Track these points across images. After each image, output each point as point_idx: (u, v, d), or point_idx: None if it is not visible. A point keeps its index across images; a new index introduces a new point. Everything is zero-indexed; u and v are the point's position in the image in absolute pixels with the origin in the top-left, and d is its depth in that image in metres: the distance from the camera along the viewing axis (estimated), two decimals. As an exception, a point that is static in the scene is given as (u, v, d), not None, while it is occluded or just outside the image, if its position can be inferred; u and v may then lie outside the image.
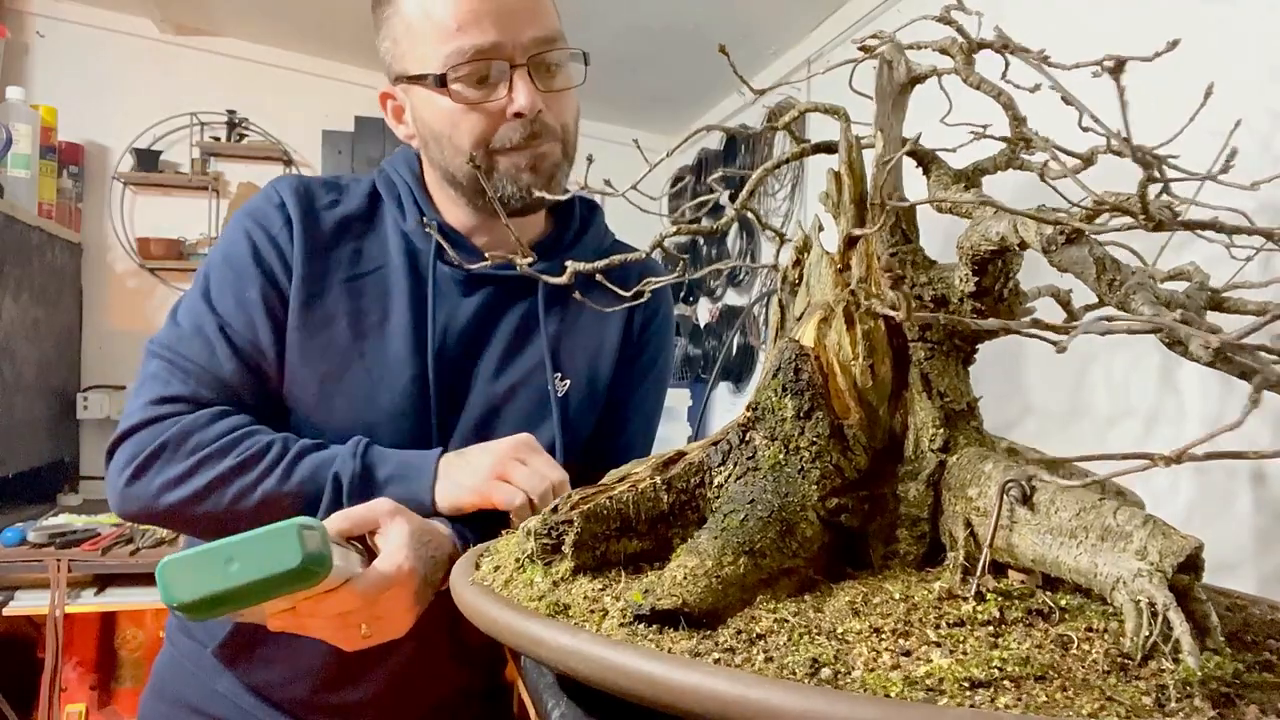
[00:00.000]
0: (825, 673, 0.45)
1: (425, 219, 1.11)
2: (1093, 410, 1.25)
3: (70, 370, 3.18)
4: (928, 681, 0.43)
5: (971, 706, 0.41)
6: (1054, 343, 0.41)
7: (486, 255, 0.78)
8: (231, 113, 3.43)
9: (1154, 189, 0.45)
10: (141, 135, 3.34)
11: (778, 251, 0.82)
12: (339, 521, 0.84)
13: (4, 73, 3.04)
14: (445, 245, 0.99)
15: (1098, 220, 0.48)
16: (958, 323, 0.64)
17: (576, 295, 0.86)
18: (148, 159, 3.31)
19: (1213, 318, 0.50)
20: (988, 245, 0.58)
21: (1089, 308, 0.73)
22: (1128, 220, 0.43)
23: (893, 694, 0.43)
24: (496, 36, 1.00)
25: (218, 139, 3.43)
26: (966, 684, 0.42)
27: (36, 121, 2.90)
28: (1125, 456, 0.38)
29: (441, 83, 1.01)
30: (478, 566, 0.73)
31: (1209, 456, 0.36)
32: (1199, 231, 0.43)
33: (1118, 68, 0.32)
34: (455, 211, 1.14)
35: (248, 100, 3.45)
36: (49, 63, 3.27)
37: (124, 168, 3.31)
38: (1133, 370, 1.17)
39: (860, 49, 0.70)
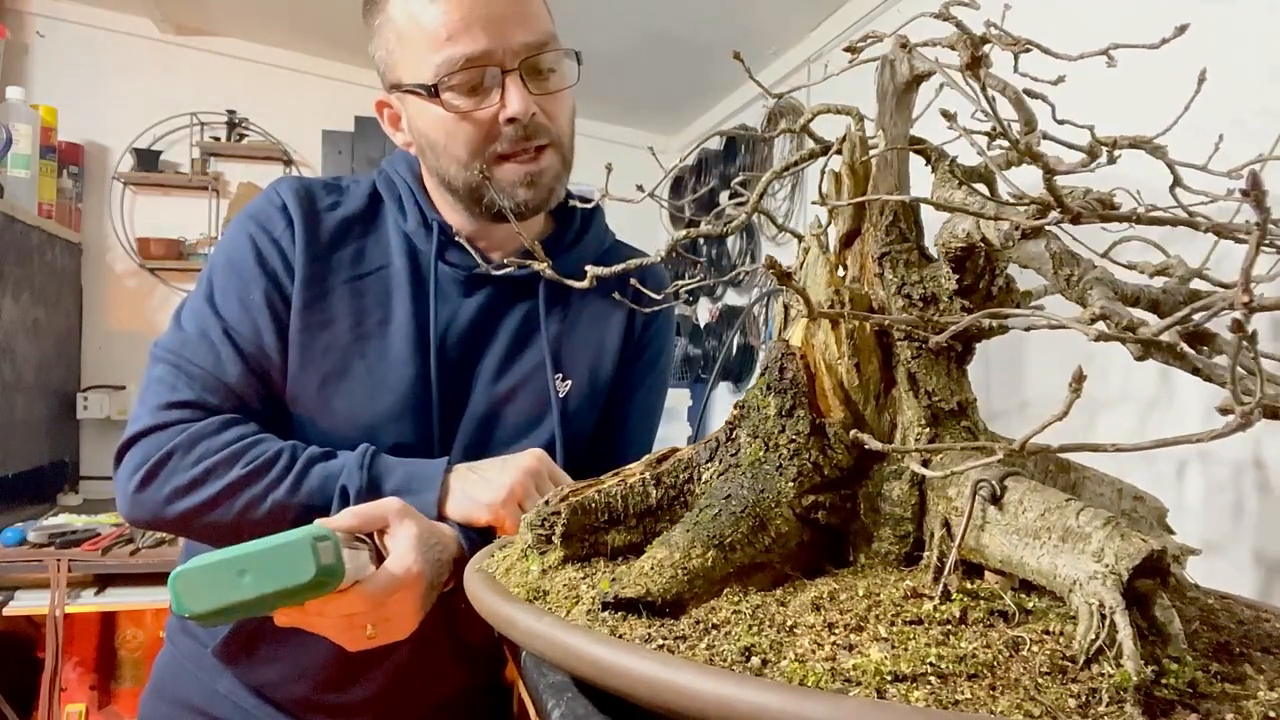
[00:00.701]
0: (754, 661, 0.47)
1: (452, 231, 1.12)
2: (1092, 403, 1.25)
3: (70, 370, 3.19)
4: (850, 673, 0.44)
5: (880, 699, 0.42)
6: (925, 337, 0.41)
7: (506, 261, 0.78)
8: (231, 113, 3.43)
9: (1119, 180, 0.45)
10: (141, 135, 3.34)
11: (800, 250, 0.82)
12: (348, 519, 0.85)
13: (4, 73, 3.04)
14: (469, 248, 0.99)
15: (1098, 216, 0.48)
16: (890, 322, 0.64)
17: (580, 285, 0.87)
18: (148, 159, 3.31)
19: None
20: (956, 243, 0.58)
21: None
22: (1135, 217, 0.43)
23: (809, 683, 0.44)
24: (486, 44, 1.00)
25: (218, 139, 3.43)
26: (889, 678, 0.43)
27: (36, 121, 2.90)
28: (966, 448, 0.39)
29: (434, 93, 1.01)
30: (492, 556, 0.75)
31: (1063, 449, 0.36)
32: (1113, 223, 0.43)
33: (974, 63, 0.33)
34: (454, 214, 1.14)
35: (248, 100, 3.46)
36: (49, 63, 3.28)
37: (124, 168, 3.31)
38: (1132, 363, 1.17)
39: (845, 49, 0.70)
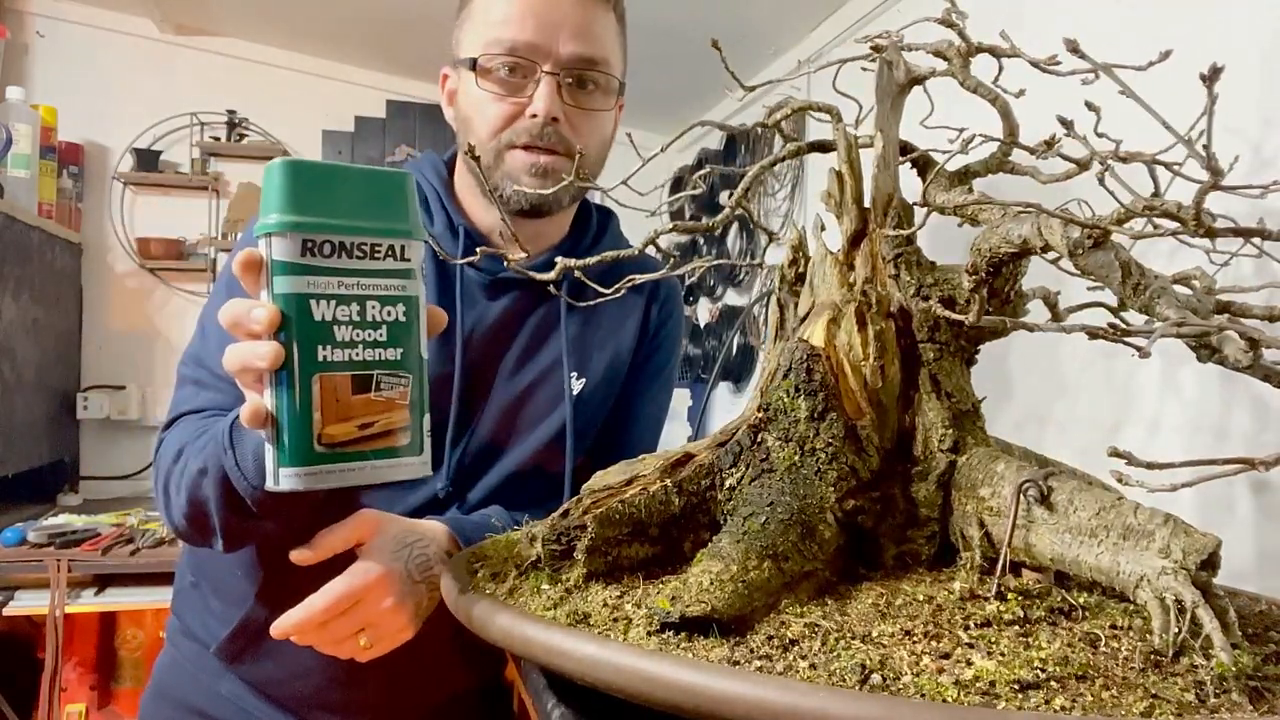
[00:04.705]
0: (875, 679, 0.45)
1: (477, 235, 1.14)
2: (1068, 411, 1.26)
3: (70, 370, 3.17)
4: (978, 685, 0.43)
5: (1032, 709, 0.41)
6: (1137, 347, 0.41)
7: (478, 250, 0.78)
8: (231, 113, 3.42)
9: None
10: (141, 135, 3.33)
11: (764, 250, 0.82)
12: (330, 539, 0.86)
13: (4, 73, 3.02)
14: (495, 249, 1.00)
15: (1126, 225, 0.48)
16: (1018, 325, 0.63)
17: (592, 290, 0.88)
18: (148, 159, 3.30)
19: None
20: (1008, 248, 0.58)
21: (1073, 309, 0.74)
22: (1172, 225, 0.43)
23: (948, 699, 0.42)
24: (533, 38, 1.04)
25: (218, 139, 3.42)
26: (1016, 686, 0.42)
27: (36, 121, 2.89)
28: (1227, 462, 0.38)
29: (473, 67, 1.06)
30: (475, 574, 0.71)
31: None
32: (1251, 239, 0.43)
33: (1214, 75, 0.33)
34: (482, 214, 1.16)
35: (248, 100, 3.44)
36: (49, 63, 3.26)
37: (124, 168, 3.30)
38: (1087, 370, 1.19)
39: (872, 48, 0.70)
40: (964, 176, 0.76)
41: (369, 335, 0.66)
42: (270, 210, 0.63)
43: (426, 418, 0.70)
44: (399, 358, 0.67)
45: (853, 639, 0.49)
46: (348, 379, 0.65)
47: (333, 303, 0.64)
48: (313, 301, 0.64)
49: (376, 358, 0.66)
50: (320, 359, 0.64)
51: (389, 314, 0.67)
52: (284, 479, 0.64)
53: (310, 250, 0.64)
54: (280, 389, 0.64)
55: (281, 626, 0.83)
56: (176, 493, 0.93)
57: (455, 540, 0.95)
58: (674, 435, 2.91)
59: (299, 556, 0.85)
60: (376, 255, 0.66)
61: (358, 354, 0.66)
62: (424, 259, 0.70)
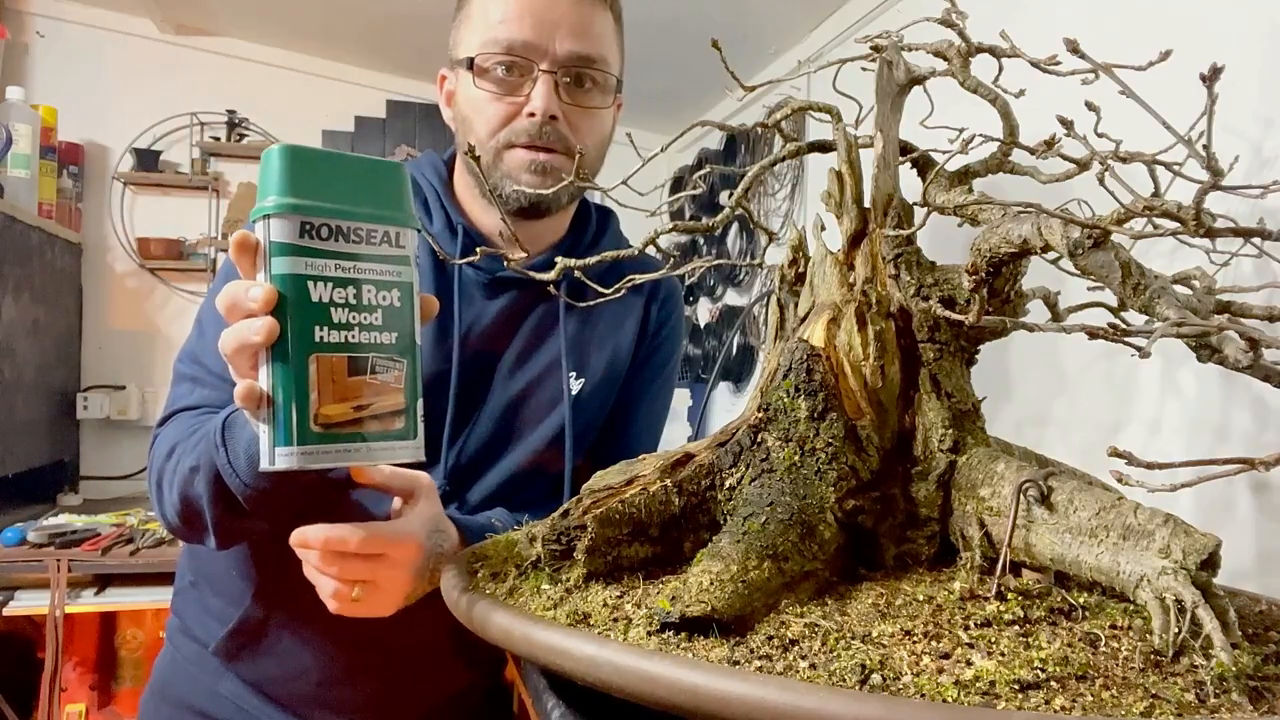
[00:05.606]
0: (875, 679, 0.44)
1: (476, 235, 1.14)
2: (1068, 411, 1.26)
3: (70, 370, 3.17)
4: (978, 685, 0.43)
5: (1032, 709, 0.40)
6: (1137, 347, 0.41)
7: (478, 250, 0.78)
8: (231, 113, 3.42)
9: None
10: (141, 135, 3.33)
11: (764, 250, 0.82)
12: (389, 472, 0.86)
13: (4, 73, 3.03)
14: (494, 249, 1.00)
15: (1126, 225, 0.48)
16: (1018, 326, 0.63)
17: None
18: (148, 159, 3.30)
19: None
20: (1008, 248, 0.58)
21: (1073, 309, 0.74)
22: (1172, 225, 0.43)
23: (948, 699, 0.42)
24: (531, 37, 1.04)
25: (218, 139, 3.42)
26: (1016, 686, 0.42)
27: (36, 121, 2.89)
28: (1227, 462, 0.38)
29: (470, 66, 1.06)
30: (475, 575, 0.71)
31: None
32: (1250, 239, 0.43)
33: (1214, 75, 0.33)
34: (481, 214, 1.16)
35: (248, 100, 3.45)
36: (49, 63, 3.26)
37: (124, 168, 3.30)
38: (1087, 370, 1.19)
39: (872, 48, 0.70)
40: (964, 176, 0.76)
41: (365, 318, 0.67)
42: (269, 193, 0.64)
43: (420, 402, 0.71)
44: (394, 341, 0.69)
45: (853, 639, 0.49)
46: (344, 360, 0.66)
47: (330, 284, 0.65)
48: (310, 282, 0.65)
49: (372, 340, 0.67)
50: (317, 339, 0.65)
51: (384, 298, 0.68)
52: (280, 458, 0.65)
53: (308, 232, 0.65)
54: (277, 367, 0.65)
55: (305, 535, 0.81)
56: (169, 489, 0.93)
57: (464, 540, 0.95)
58: (674, 435, 2.91)
59: (358, 472, 0.82)
60: (373, 240, 0.67)
61: (354, 336, 0.67)
62: (418, 250, 0.71)
